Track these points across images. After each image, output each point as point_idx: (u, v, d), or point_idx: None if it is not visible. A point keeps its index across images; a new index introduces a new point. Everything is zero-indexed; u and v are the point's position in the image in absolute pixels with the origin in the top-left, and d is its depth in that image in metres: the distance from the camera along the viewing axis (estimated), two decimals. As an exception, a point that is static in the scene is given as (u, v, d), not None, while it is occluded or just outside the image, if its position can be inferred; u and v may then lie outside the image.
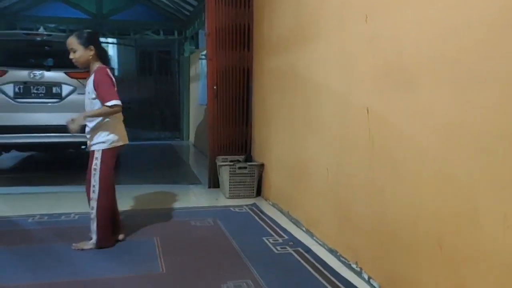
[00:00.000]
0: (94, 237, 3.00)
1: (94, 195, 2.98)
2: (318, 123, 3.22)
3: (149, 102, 12.62)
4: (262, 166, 4.52)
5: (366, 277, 2.53)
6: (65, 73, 5.24)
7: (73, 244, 3.00)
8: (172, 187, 5.08)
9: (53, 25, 8.88)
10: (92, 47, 2.94)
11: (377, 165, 2.42)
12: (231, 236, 3.29)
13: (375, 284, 2.44)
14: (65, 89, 5.21)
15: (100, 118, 2.95)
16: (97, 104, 2.94)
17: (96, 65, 2.98)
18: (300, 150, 3.59)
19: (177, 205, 4.27)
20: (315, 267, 2.72)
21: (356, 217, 2.67)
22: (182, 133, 10.35)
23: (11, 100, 5.05)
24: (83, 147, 6.28)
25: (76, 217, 3.74)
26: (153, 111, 12.55)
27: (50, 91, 5.17)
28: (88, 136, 3.02)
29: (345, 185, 2.81)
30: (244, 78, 4.85)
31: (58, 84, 5.19)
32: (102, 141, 2.97)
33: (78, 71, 5.30)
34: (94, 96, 2.93)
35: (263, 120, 4.56)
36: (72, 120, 2.89)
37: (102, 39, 10.44)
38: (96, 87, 2.91)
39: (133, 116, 12.05)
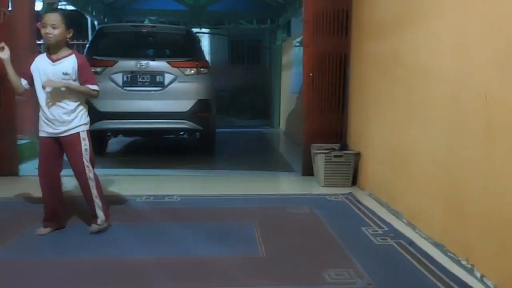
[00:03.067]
0: (101, 214, 3.04)
1: (91, 174, 3.00)
2: (424, 110, 3.04)
3: (240, 91, 12.92)
4: (358, 154, 4.41)
5: (478, 275, 2.36)
6: (168, 62, 5.53)
7: (91, 230, 3.01)
8: (265, 174, 5.16)
9: (154, 18, 9.38)
10: (71, 30, 2.91)
11: (495, 155, 2.23)
12: (329, 225, 3.26)
13: (489, 283, 2.27)
14: (167, 78, 5.50)
15: (77, 103, 2.96)
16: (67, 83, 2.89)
17: (68, 49, 2.96)
18: (402, 138, 3.43)
19: (272, 191, 4.32)
20: (420, 261, 2.59)
21: (468, 210, 2.49)
22: (272, 121, 10.45)
23: (120, 88, 5.44)
24: (181, 133, 6.63)
25: (178, 199, 3.94)
26: (244, 99, 12.83)
27: (154, 79, 5.49)
28: (63, 120, 2.92)
29: (456, 175, 2.63)
30: (340, 65, 4.74)
31: (161, 73, 5.49)
32: (84, 123, 3.00)
33: (179, 61, 5.59)
34: (75, 77, 2.90)
35: (360, 107, 4.43)
36: (51, 80, 2.85)
37: (196, 30, 10.86)
38: (81, 69, 2.92)
39: (225, 104, 12.50)
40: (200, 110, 5.62)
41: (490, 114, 2.28)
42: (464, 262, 2.50)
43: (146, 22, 8.12)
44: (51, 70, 2.89)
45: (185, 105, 5.52)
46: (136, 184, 4.52)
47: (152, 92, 5.50)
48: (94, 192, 3.03)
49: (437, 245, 2.82)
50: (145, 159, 6.18)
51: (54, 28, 2.83)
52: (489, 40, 2.29)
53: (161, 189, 4.26)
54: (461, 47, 2.58)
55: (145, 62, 5.47)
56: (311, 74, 4.75)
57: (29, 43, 5.85)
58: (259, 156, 6.59)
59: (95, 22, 8.99)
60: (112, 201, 3.75)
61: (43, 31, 2.86)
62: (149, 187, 4.37)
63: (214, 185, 4.55)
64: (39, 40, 6.49)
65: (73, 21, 3.00)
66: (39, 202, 3.22)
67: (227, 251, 2.77)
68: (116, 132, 6.21)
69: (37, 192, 3.37)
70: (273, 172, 5.29)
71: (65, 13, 2.96)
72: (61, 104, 2.92)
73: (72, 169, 3.03)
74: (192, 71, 5.56)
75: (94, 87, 3.00)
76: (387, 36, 3.71)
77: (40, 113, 2.97)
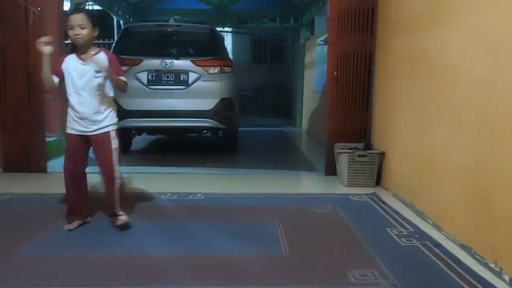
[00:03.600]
0: (120, 213, 3.06)
1: (118, 174, 3.03)
2: (452, 109, 2.98)
3: (262, 89, 12.94)
4: (382, 154, 4.36)
5: (507, 279, 2.31)
6: (192, 61, 5.57)
7: (118, 224, 3.04)
8: (288, 173, 5.15)
9: (178, 17, 9.47)
10: (97, 28, 2.95)
11: (527, 157, 2.17)
12: (353, 225, 3.23)
13: (519, 287, 2.22)
14: (192, 77, 5.55)
15: (108, 103, 3.00)
16: (101, 83, 2.94)
17: (96, 47, 3.01)
18: (428, 138, 3.37)
19: (294, 190, 4.32)
20: (446, 263, 2.55)
21: (496, 211, 2.43)
22: (295, 120, 10.42)
23: (145, 87, 5.52)
24: (204, 131, 6.68)
25: (202, 197, 3.97)
26: (267, 98, 12.84)
27: (178, 78, 5.55)
28: (94, 119, 2.96)
29: (485, 177, 2.57)
30: (365, 63, 4.70)
31: (186, 72, 5.54)
32: (114, 122, 3.04)
33: (203, 59, 5.64)
34: (102, 78, 2.94)
35: (385, 106, 4.37)
36: (97, 61, 2.89)
37: (219, 28, 10.91)
38: (111, 63, 2.96)
39: (247, 103, 12.54)
40: (223, 109, 5.65)
41: (521, 114, 2.22)
42: (492, 265, 2.45)
43: (171, 21, 8.20)
44: (83, 69, 2.94)
45: (208, 104, 5.56)
46: (160, 182, 4.57)
47: (176, 90, 5.56)
48: (117, 190, 3.08)
49: (464, 247, 2.76)
50: (168, 157, 6.24)
51: (82, 28, 2.88)
52: (521, 38, 2.24)
53: (184, 187, 4.30)
54: (491, 47, 2.52)
55: (170, 61, 5.53)
56: (335, 73, 4.72)
57: (58, 43, 5.99)
58: (281, 155, 6.59)
59: (121, 22, 9.15)
60: (137, 198, 3.82)
61: (71, 32, 2.91)
62: (173, 185, 4.42)
63: (236, 184, 4.57)
64: (66, 40, 6.67)
65: (98, 20, 3.02)
66: (67, 198, 3.29)
67: (250, 250, 2.78)
68: (140, 130, 6.30)
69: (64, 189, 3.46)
70: (296, 171, 5.27)
71: (90, 13, 3.01)
72: (93, 103, 2.96)
73: (99, 167, 3.09)
74: (216, 70, 5.60)
75: (124, 78, 3.07)
76: (414, 34, 3.65)
77: (70, 111, 3.02)
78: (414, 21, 3.66)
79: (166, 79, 5.54)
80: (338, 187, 4.42)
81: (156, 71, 5.52)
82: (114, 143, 3.02)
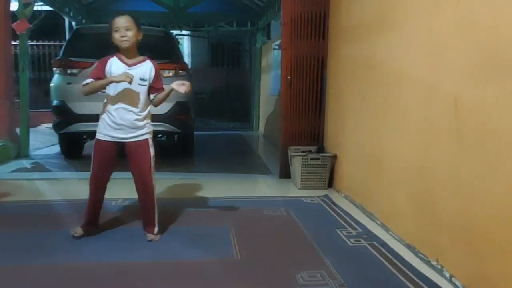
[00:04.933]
0: (157, 226, 3.04)
1: (154, 182, 3.02)
2: (398, 113, 3.10)
3: (220, 93, 12.92)
4: (335, 157, 4.46)
5: (447, 276, 2.41)
6: (146, 64, 5.47)
7: (149, 238, 2.99)
8: (243, 177, 5.17)
9: (133, 19, 9.30)
10: (141, 33, 2.90)
11: (465, 158, 2.28)
12: (304, 227, 3.29)
13: (458, 283, 2.32)
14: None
15: (148, 109, 2.98)
16: (142, 95, 2.90)
17: (139, 54, 2.96)
18: (376, 141, 3.48)
19: (249, 194, 4.33)
20: (391, 262, 2.64)
21: (439, 212, 2.54)
22: (252, 123, 10.47)
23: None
24: (159, 136, 6.57)
25: (155, 201, 3.90)
26: (224, 102, 12.83)
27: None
28: (134, 126, 2.91)
29: (427, 178, 2.68)
30: (318, 68, 4.79)
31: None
32: (150, 130, 3.01)
33: (157, 63, 5.54)
34: (146, 85, 2.91)
35: (337, 110, 4.48)
36: (181, 83, 2.88)
37: (176, 32, 10.75)
38: (157, 75, 2.95)
39: (205, 106, 12.48)
40: (178, 113, 5.58)
41: (459, 118, 2.34)
42: (434, 263, 2.56)
43: (124, 24, 8.04)
44: (137, 78, 2.86)
45: (163, 108, 5.43)
46: (112, 188, 4.42)
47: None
48: (155, 200, 3.04)
49: (409, 246, 2.87)
50: (122, 162, 6.09)
51: (128, 30, 2.80)
52: (460, 45, 2.35)
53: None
54: (433, 51, 2.63)
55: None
56: (289, 77, 4.79)
57: (3, 43, 5.75)
58: (237, 159, 6.59)
59: (73, 23, 8.88)
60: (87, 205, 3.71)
61: (116, 35, 2.80)
62: (126, 190, 4.31)
63: (191, 188, 4.53)
64: (14, 41, 6.40)
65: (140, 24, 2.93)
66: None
67: (202, 254, 2.77)
68: (93, 134, 6.11)
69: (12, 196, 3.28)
70: (251, 174, 5.30)
71: (133, 16, 2.89)
72: (134, 109, 2.88)
73: (136, 175, 3.01)
74: (171, 73, 5.52)
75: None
76: (362, 40, 3.77)
77: (105, 117, 2.92)
78: (362, 27, 3.77)
79: (119, 82, 5.41)
80: (292, 190, 4.48)
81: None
82: (152, 150, 2.99)
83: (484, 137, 2.14)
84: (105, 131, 2.94)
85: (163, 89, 2.98)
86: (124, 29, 2.80)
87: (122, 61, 2.89)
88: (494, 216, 2.06)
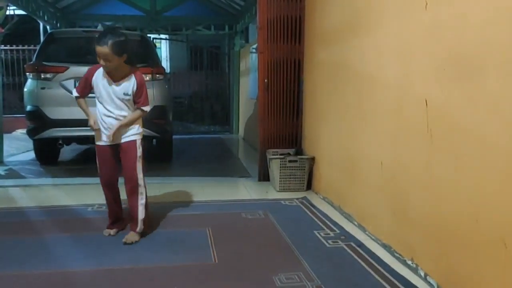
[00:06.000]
0: (140, 225, 3.10)
1: (142, 181, 3.14)
2: (372, 116, 3.14)
3: (199, 96, 12.88)
4: (312, 159, 4.48)
5: (422, 274, 2.45)
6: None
7: (125, 240, 3.02)
8: (222, 180, 5.16)
9: (109, 23, 9.20)
10: (125, 55, 2.90)
11: (436, 159, 2.33)
12: (282, 229, 3.29)
13: (432, 281, 2.36)
14: (122, 84, 5.39)
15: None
16: (128, 103, 3.03)
17: (127, 67, 2.98)
18: (352, 143, 3.52)
19: (227, 197, 4.32)
20: (368, 262, 2.67)
21: (412, 212, 2.59)
22: (231, 126, 10.47)
23: (71, 95, 5.27)
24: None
25: (132, 207, 3.86)
26: (204, 105, 12.79)
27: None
28: (126, 129, 3.06)
29: (401, 179, 2.73)
30: (295, 71, 4.82)
31: (115, 79, 5.37)
32: (139, 132, 3.14)
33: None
34: (130, 98, 3.00)
35: (314, 113, 4.51)
36: (114, 131, 2.99)
37: (154, 35, 10.68)
38: (140, 90, 3.02)
39: (184, 110, 12.42)
40: (156, 117, 5.53)
41: (430, 121, 2.38)
42: (409, 262, 2.59)
43: (99, 28, 7.95)
44: (112, 89, 2.97)
45: None
46: (88, 193, 4.40)
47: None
48: (140, 200, 3.14)
49: (385, 246, 2.90)
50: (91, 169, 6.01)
51: (107, 61, 2.85)
52: (428, 48, 2.40)
53: (114, 198, 4.16)
54: (403, 55, 2.68)
55: (98, 68, 5.34)
56: (266, 80, 4.80)
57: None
58: (217, 162, 6.58)
59: (48, 27, 8.74)
60: (62, 212, 3.66)
61: (98, 60, 2.87)
62: (102, 195, 4.26)
63: (169, 192, 4.50)
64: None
65: (125, 45, 2.88)
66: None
67: (179, 259, 2.75)
68: (68, 140, 6.03)
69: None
70: (231, 178, 5.29)
71: (113, 45, 2.80)
72: (121, 118, 3.02)
73: (123, 172, 3.13)
74: (147, 78, 5.48)
75: (146, 108, 3.10)
76: (336, 44, 3.81)
77: (99, 123, 3.06)
78: (336, 31, 3.81)
79: (94, 87, 5.34)
80: (271, 193, 4.49)
81: (84, 78, 5.31)
82: (140, 151, 3.13)
83: (453, 136, 2.18)
84: (100, 136, 3.10)
85: (143, 104, 3.07)
86: (103, 60, 2.86)
87: (107, 76, 2.97)
88: (464, 214, 2.10)
